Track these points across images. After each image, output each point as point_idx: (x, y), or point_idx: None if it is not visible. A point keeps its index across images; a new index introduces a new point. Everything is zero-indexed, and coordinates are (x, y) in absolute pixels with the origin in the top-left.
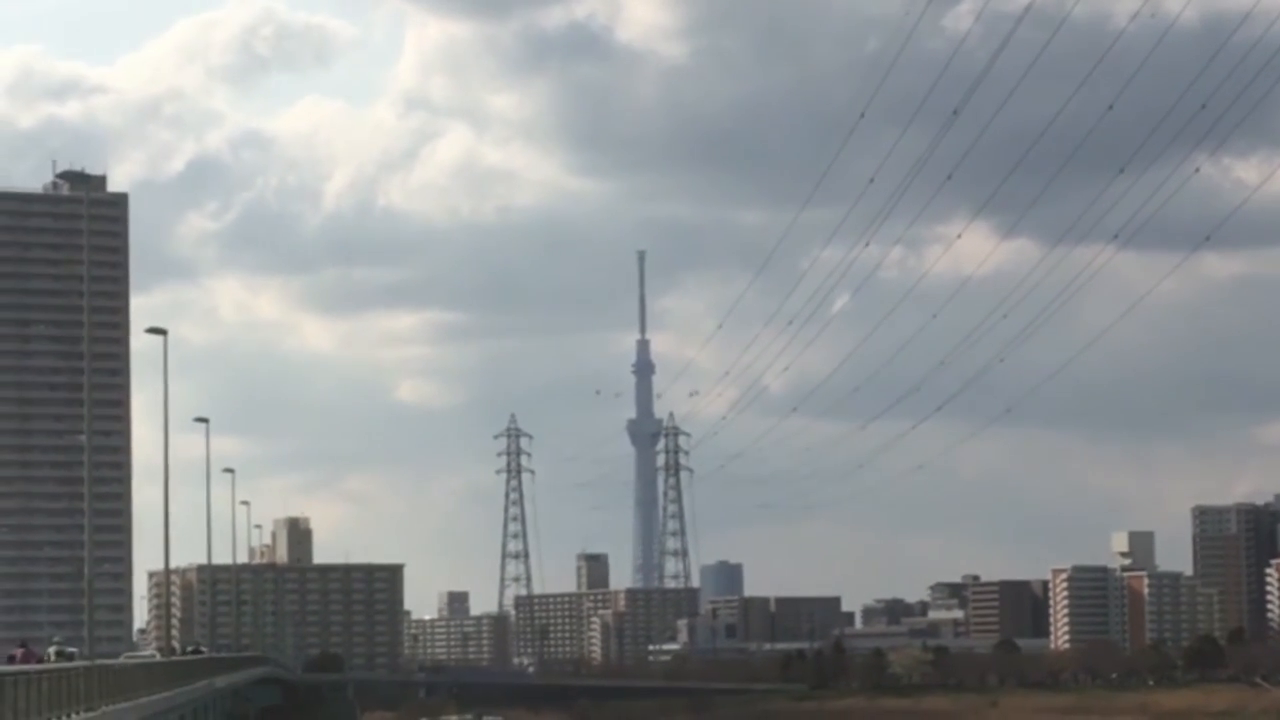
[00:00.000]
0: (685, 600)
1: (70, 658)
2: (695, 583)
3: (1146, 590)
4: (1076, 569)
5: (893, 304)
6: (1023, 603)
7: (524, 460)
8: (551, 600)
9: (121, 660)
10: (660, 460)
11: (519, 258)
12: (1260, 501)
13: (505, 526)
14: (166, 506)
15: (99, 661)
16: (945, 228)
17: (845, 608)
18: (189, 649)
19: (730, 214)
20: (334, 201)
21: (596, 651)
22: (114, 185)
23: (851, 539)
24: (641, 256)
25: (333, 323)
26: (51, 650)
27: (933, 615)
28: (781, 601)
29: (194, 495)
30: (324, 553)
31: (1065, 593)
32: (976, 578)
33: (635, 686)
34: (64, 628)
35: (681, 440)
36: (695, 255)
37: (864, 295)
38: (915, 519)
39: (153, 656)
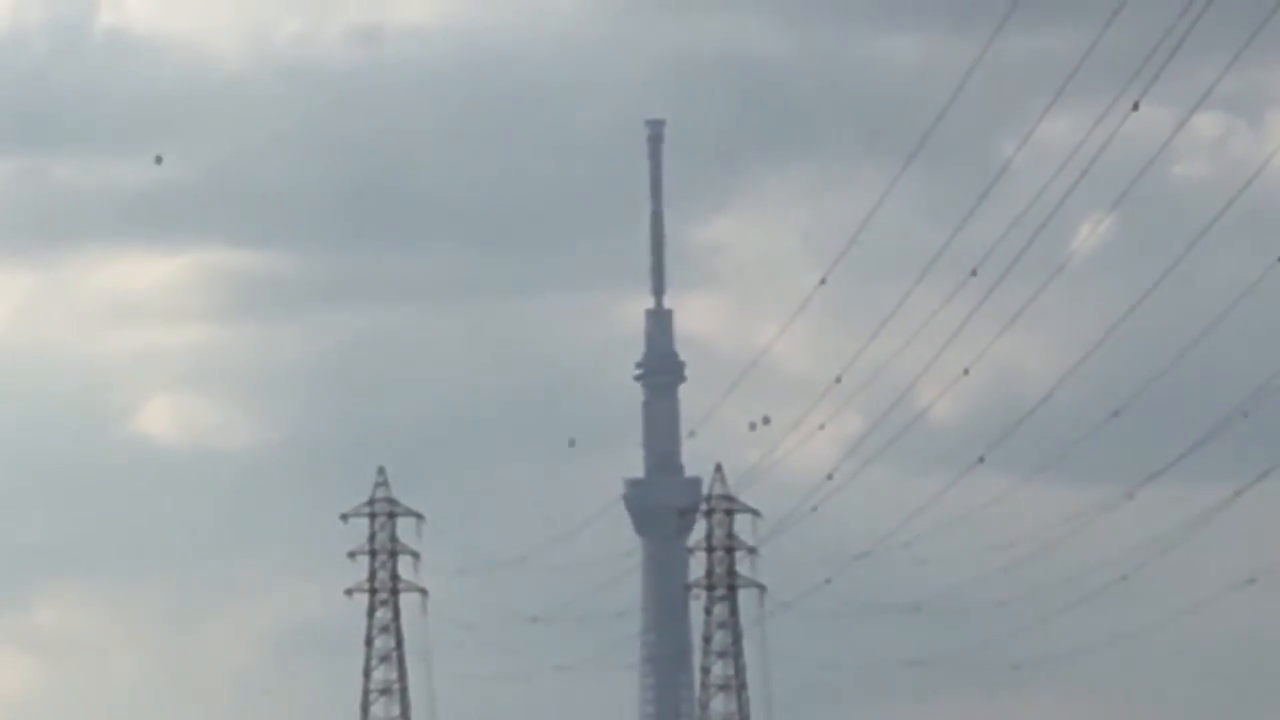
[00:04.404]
0: None
1: None
2: None
3: None
4: None
5: (1192, 231)
6: None
7: (404, 566)
8: None
9: None
10: (696, 565)
11: (399, 140)
12: None
13: (365, 708)
14: None
15: None
16: None
17: None
18: None
19: (839, 40)
20: (7, 18)
21: None
22: None
23: None
24: (657, 131)
25: (6, 269)
26: None
27: None
28: None
29: None
30: None
31: None
32: None
33: None
34: None
35: (743, 524)
36: (771, 124)
37: (1131, 211)
38: (1251, 686)
39: None
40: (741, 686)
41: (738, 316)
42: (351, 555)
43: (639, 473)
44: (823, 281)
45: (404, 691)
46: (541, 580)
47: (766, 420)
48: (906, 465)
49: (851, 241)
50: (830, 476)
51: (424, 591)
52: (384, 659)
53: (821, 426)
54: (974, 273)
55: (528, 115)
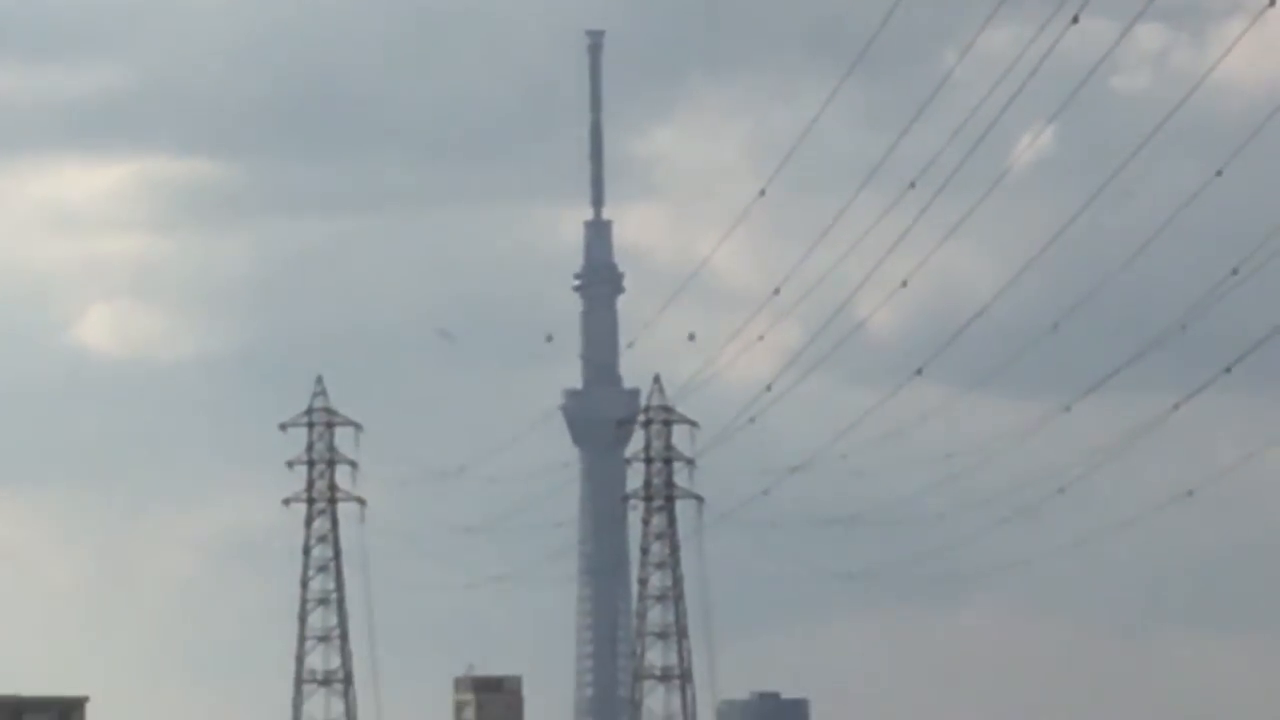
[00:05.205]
0: None
1: None
2: None
3: None
4: None
5: (1132, 143)
6: None
7: (342, 476)
8: None
9: None
10: (634, 476)
11: (341, 51)
12: None
13: (302, 618)
14: None
15: None
16: None
17: None
18: None
19: None
20: None
21: None
22: None
23: (1044, 641)
24: (596, 42)
25: None
26: None
27: None
28: None
29: None
30: None
31: None
32: None
33: None
34: None
35: (680, 435)
36: (712, 35)
37: (1071, 123)
38: (1188, 596)
39: None
40: (679, 597)
41: (677, 228)
42: (290, 464)
43: (577, 383)
44: (762, 193)
45: (341, 601)
46: (479, 490)
47: (691, 336)
48: (845, 377)
49: (791, 153)
50: (769, 388)
51: (362, 501)
52: (321, 568)
53: (760, 338)
54: (913, 184)
55: (468, 26)
